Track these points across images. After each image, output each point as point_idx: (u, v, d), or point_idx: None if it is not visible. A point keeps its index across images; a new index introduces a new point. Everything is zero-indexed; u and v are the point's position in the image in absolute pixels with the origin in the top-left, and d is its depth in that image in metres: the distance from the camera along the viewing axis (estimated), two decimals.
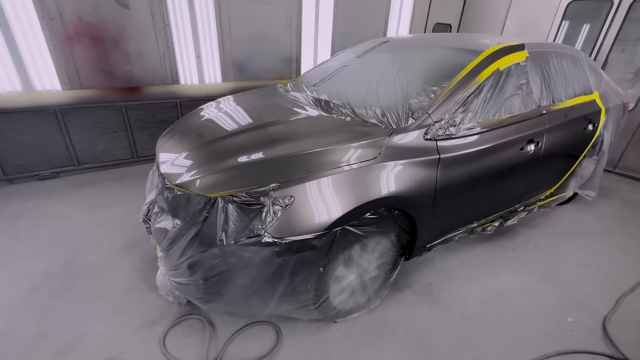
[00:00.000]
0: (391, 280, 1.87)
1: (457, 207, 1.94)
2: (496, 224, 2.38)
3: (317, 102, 2.02)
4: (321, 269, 1.44)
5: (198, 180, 1.45)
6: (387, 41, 2.51)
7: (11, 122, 2.81)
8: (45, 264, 2.06)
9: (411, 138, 1.61)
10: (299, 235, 1.32)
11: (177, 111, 3.48)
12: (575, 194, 3.04)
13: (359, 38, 4.40)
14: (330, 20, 4.13)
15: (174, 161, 1.67)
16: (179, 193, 1.49)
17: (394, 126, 1.64)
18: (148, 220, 1.88)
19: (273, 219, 1.31)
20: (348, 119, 1.77)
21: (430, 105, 1.70)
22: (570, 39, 4.32)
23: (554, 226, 2.83)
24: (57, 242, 2.27)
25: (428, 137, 1.65)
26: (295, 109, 2.00)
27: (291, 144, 1.56)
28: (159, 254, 1.69)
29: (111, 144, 3.29)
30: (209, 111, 2.21)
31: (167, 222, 1.57)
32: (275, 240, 1.30)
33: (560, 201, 2.86)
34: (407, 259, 1.93)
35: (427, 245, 1.95)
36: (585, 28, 4.21)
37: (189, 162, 1.62)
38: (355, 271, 1.64)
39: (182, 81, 3.46)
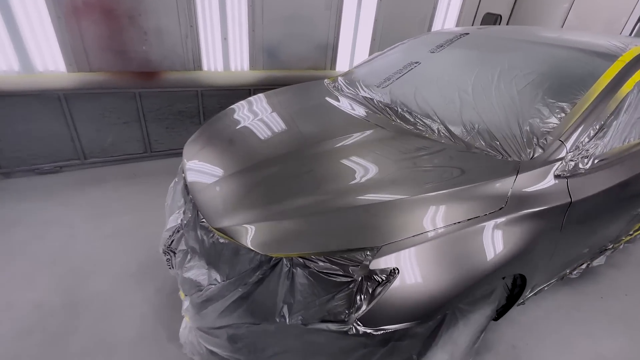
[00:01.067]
0: (476, 346, 1.47)
1: (567, 256, 1.52)
2: (584, 266, 1.96)
3: (390, 110, 1.57)
4: (415, 356, 1.04)
5: (251, 229, 1.02)
6: (467, 33, 2.02)
7: (7, 108, 2.39)
8: (41, 293, 1.68)
9: (541, 177, 1.16)
10: (400, 324, 0.90)
11: (197, 101, 3.03)
12: None
13: (403, 26, 3.90)
14: (374, 3, 3.59)
15: (211, 188, 1.24)
16: (221, 240, 1.07)
17: (516, 158, 1.20)
18: (171, 252, 1.47)
19: (366, 301, 0.89)
20: (443, 141, 1.32)
21: (561, 129, 1.24)
22: None
23: (638, 265, 2.39)
24: (57, 260, 1.88)
25: (558, 173, 1.21)
26: (363, 118, 1.55)
27: (381, 179, 1.12)
28: (185, 300, 1.29)
29: (122, 136, 2.87)
30: (246, 114, 1.77)
31: (200, 272, 1.16)
32: (367, 331, 0.89)
33: None
34: (495, 319, 1.52)
35: (522, 301, 1.54)
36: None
37: (233, 194, 1.19)
38: (449, 350, 1.23)
39: (205, 67, 3.00)
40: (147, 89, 2.79)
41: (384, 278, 0.88)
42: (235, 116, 1.80)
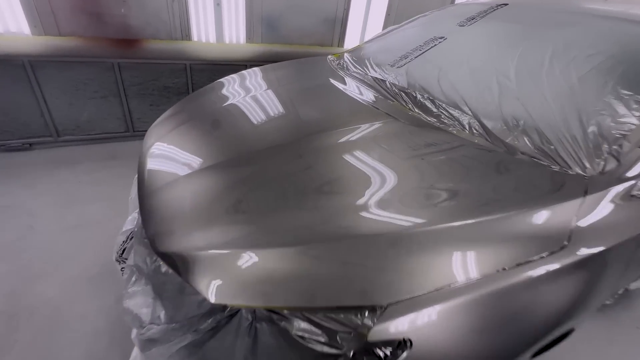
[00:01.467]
0: None
1: (617, 289, 1.22)
2: (621, 291, 1.66)
3: (406, 96, 1.24)
4: None
5: (204, 261, 0.71)
6: (506, 4, 1.64)
7: None
8: None
9: (615, 199, 0.84)
10: None
11: (186, 76, 2.69)
12: None
13: (422, 0, 3.45)
14: None
15: (164, 190, 0.94)
16: (163, 269, 0.78)
17: (579, 171, 0.87)
18: (124, 261, 1.20)
19: None
20: (476, 140, 1.00)
21: None
22: None
23: None
24: (8, 256, 1.62)
25: (634, 193, 0.88)
26: (371, 104, 1.22)
27: (390, 198, 0.79)
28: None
29: (99, 112, 2.56)
30: (233, 90, 1.45)
31: (144, 302, 0.88)
32: None
33: None
34: None
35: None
36: None
37: (193, 201, 0.88)
38: None
39: (194, 37, 2.64)
40: (127, 60, 2.45)
41: (388, 354, 0.58)
42: (224, 91, 1.48)
